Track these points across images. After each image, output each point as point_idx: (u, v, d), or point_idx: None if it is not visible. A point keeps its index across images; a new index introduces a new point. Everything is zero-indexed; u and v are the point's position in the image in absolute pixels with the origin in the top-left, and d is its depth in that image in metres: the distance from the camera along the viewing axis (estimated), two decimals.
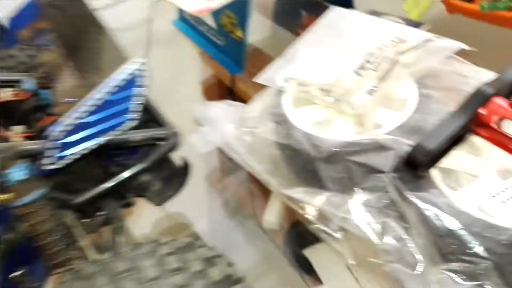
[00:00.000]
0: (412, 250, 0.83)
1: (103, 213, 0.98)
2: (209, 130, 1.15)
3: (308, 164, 0.93)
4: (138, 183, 1.03)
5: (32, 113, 1.07)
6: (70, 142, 0.76)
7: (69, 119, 0.75)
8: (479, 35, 1.23)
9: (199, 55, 1.86)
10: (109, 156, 1.00)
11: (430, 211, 0.79)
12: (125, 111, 0.80)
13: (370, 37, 1.00)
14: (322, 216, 0.95)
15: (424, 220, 0.80)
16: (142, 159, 0.94)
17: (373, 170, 0.87)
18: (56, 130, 0.75)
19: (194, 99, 1.99)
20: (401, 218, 0.87)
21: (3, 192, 0.77)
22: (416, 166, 0.82)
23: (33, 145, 0.81)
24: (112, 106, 0.78)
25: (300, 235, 1.43)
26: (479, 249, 0.75)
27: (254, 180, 1.30)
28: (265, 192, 1.44)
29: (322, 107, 0.99)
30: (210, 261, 0.85)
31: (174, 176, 1.06)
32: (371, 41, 0.98)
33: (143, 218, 1.56)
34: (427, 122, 0.91)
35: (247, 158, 1.02)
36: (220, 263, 0.87)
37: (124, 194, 1.03)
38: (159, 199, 1.04)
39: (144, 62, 0.93)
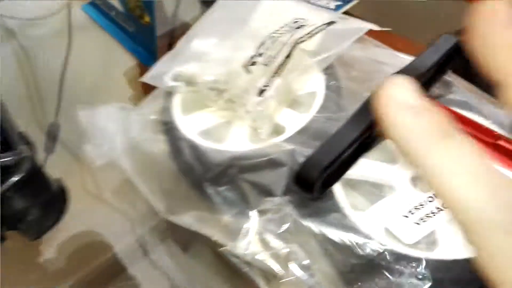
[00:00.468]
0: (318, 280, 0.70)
1: None
2: (101, 141, 0.99)
3: (197, 183, 0.77)
4: (12, 213, 0.86)
5: None
6: None
7: None
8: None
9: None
10: None
11: (332, 241, 0.65)
12: None
13: (265, 23, 0.82)
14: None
15: (326, 251, 0.66)
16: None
17: (266, 191, 0.72)
18: None
19: (122, 93, 1.80)
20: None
21: None
22: (308, 186, 0.66)
23: None
24: None
25: None
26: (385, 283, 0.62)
27: None
28: None
29: (217, 110, 0.83)
30: None
31: (53, 202, 0.89)
32: (265, 28, 0.81)
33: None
34: (334, 122, 0.76)
35: (133, 176, 0.86)
36: None
37: None
38: (36, 232, 0.88)
39: None
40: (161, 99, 0.90)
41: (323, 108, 0.77)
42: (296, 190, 0.69)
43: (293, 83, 0.79)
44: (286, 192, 0.68)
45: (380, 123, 0.24)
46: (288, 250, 0.72)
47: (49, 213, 0.87)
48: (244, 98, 0.77)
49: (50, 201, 0.89)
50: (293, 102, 0.80)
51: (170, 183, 0.85)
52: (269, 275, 0.78)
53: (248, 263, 0.75)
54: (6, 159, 0.74)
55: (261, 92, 0.74)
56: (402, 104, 0.22)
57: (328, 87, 0.79)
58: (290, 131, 0.76)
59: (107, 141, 0.95)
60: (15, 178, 0.75)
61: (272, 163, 0.70)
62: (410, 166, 0.23)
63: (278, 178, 0.69)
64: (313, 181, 0.65)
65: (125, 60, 1.80)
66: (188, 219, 0.78)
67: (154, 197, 0.84)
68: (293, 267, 0.72)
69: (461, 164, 0.21)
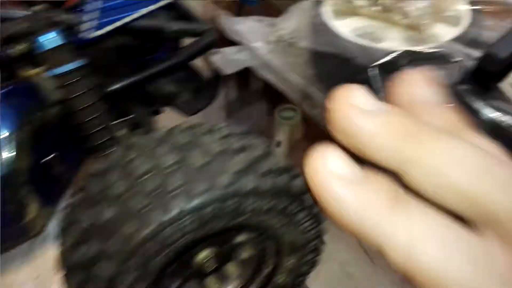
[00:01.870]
0: None
1: (131, 116, 0.88)
2: (234, 49, 1.06)
3: (357, 74, 0.86)
4: (165, 93, 0.94)
5: None
6: (108, 8, 0.65)
7: None
8: None
9: None
10: (138, 54, 0.90)
11: (501, 119, 0.74)
12: None
13: None
14: None
15: (496, 129, 0.74)
16: (178, 55, 0.84)
17: None
18: None
19: None
20: None
21: (34, 64, 0.66)
22: (486, 77, 0.75)
23: (69, 15, 0.70)
24: None
25: None
26: None
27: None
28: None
29: (367, 17, 0.91)
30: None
31: (203, 89, 0.97)
32: None
33: None
34: (483, 36, 0.85)
35: (285, 72, 0.94)
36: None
37: (152, 101, 0.93)
38: (188, 110, 0.95)
39: None
40: (307, 10, 0.98)
41: (471, 25, 0.87)
42: (468, 80, 0.78)
43: (444, 3, 0.89)
44: (459, 82, 0.77)
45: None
46: None
47: (201, 97, 0.95)
48: (402, 5, 0.86)
49: (201, 88, 0.96)
50: (442, 19, 0.89)
51: (321, 77, 0.93)
52: None
53: None
54: (196, 26, 0.81)
55: None
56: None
57: (472, 9, 0.89)
58: (443, 39, 0.85)
59: (245, 48, 1.03)
60: (203, 42, 0.82)
61: (441, 58, 0.79)
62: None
63: (449, 70, 0.78)
64: (494, 71, 0.75)
65: None
66: None
67: (310, 87, 0.92)
68: None
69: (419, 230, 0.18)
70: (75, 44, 0.68)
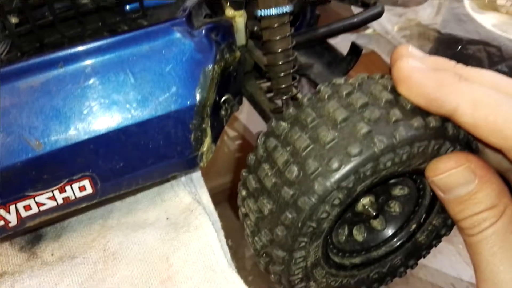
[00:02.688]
0: None
1: None
2: (359, 34, 1.13)
3: (503, 61, 0.93)
4: (299, 64, 0.99)
5: None
6: None
7: None
8: None
9: None
10: None
11: None
12: None
13: None
14: None
15: None
16: (349, 20, 0.89)
17: None
18: None
19: None
20: None
21: (239, 7, 0.70)
22: None
23: None
24: None
25: None
26: None
27: None
28: None
29: (506, 15, 0.99)
30: None
31: (336, 62, 1.02)
32: None
33: None
34: None
35: None
36: None
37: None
38: (321, 80, 1.00)
39: None
40: (432, 7, 1.06)
41: None
42: None
43: None
44: None
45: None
46: None
47: (334, 70, 1.00)
48: None
49: (334, 61, 1.01)
50: None
51: None
52: None
53: None
54: None
55: None
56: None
57: None
58: None
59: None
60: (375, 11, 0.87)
61: None
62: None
63: None
64: None
65: None
66: None
67: None
68: None
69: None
70: None
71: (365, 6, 0.87)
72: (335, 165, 0.63)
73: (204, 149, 0.81)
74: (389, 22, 1.08)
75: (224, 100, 0.83)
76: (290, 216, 0.56)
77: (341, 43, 1.02)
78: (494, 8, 0.98)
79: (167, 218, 0.85)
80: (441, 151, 0.48)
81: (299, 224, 0.55)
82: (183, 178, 0.93)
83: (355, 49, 1.06)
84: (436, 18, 1.01)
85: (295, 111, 0.71)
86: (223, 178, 1.43)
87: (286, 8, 0.77)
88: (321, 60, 1.03)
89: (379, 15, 0.91)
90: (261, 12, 0.75)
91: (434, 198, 0.86)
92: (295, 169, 0.65)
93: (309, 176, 0.65)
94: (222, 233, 0.75)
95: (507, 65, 0.90)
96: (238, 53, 0.83)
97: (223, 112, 0.84)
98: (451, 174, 0.34)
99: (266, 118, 0.84)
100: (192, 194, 0.93)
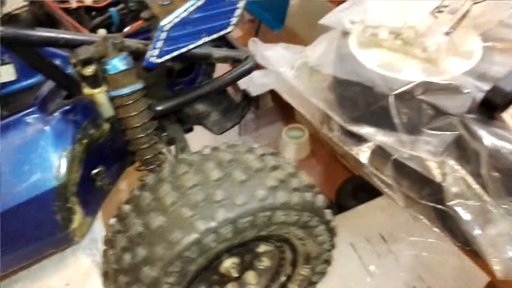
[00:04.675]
0: (476, 190, 0.87)
1: (166, 134, 0.96)
2: (261, 73, 1.15)
3: (376, 101, 0.94)
4: (197, 113, 1.02)
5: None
6: (175, 37, 0.71)
7: (177, 12, 0.71)
8: None
9: None
10: (177, 76, 0.98)
11: (502, 146, 0.83)
12: (230, 13, 0.76)
13: None
14: (375, 161, 0.97)
15: (495, 154, 0.82)
16: (221, 78, 0.92)
17: (442, 112, 0.89)
18: (164, 22, 0.71)
19: None
20: (461, 159, 0.90)
21: (97, 84, 0.73)
22: (492, 107, 0.84)
23: (137, 42, 0.77)
24: (218, 7, 0.74)
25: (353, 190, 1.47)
26: None
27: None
28: None
29: (388, 50, 1.00)
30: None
31: (232, 109, 1.05)
32: None
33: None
34: (492, 71, 0.94)
35: (308, 96, 1.02)
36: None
37: (185, 120, 1.01)
38: (217, 129, 1.04)
39: None
40: (334, 40, 1.07)
41: (482, 60, 0.96)
42: (474, 110, 0.87)
43: (459, 38, 0.98)
44: (467, 111, 0.86)
45: None
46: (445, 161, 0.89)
47: (230, 117, 1.03)
48: (425, 39, 0.95)
49: (230, 108, 1.04)
50: (456, 53, 0.98)
51: (342, 103, 1.01)
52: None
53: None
54: (239, 53, 0.90)
55: (447, 34, 0.92)
56: None
57: (484, 46, 0.98)
58: (456, 72, 0.94)
59: (272, 72, 1.12)
60: (246, 67, 0.90)
61: (453, 89, 0.88)
62: None
63: (459, 101, 0.87)
64: (500, 103, 0.84)
65: None
66: (363, 129, 0.94)
67: (330, 111, 1.00)
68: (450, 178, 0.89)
69: None
70: (137, 69, 0.76)
71: (237, 62, 0.90)
72: (160, 251, 0.69)
73: (75, 225, 0.84)
74: (286, 62, 1.10)
75: (96, 173, 0.86)
76: None
77: None
78: (377, 44, 0.99)
79: (67, 284, 0.89)
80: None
81: None
82: (85, 240, 0.97)
83: (246, 96, 1.10)
84: (324, 58, 1.03)
85: (139, 192, 0.76)
86: None
87: (138, 85, 0.80)
88: (219, 108, 1.07)
89: (251, 70, 0.94)
90: (113, 93, 0.78)
91: (295, 251, 0.93)
92: (127, 257, 0.70)
93: (139, 264, 0.70)
94: None
95: (381, 105, 0.92)
96: (106, 126, 0.86)
97: (99, 183, 0.88)
98: None
99: None
100: (92, 256, 0.97)
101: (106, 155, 0.90)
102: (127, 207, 0.76)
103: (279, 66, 1.10)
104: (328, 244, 0.91)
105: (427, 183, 0.89)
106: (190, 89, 0.92)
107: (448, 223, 0.90)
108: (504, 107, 0.84)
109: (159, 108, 0.85)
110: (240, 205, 0.74)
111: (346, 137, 0.98)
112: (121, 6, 0.97)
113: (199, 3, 0.70)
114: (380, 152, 0.93)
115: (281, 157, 0.86)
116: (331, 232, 0.90)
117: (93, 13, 0.99)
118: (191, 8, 0.70)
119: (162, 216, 0.71)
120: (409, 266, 1.35)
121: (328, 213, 0.86)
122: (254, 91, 1.14)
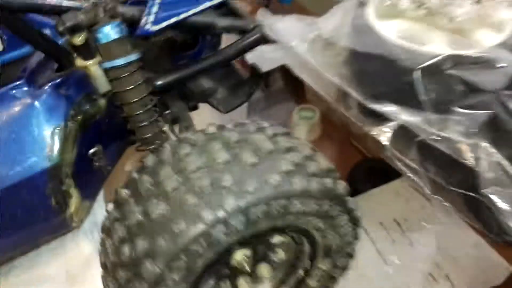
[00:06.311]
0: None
1: (169, 111, 0.89)
2: (271, 47, 1.06)
3: (399, 77, 0.86)
4: (203, 89, 0.94)
5: None
6: (172, 1, 0.64)
7: None
8: None
9: None
10: (180, 49, 0.90)
11: None
12: None
13: None
14: (398, 143, 0.90)
15: None
16: (226, 51, 0.84)
17: (474, 88, 0.81)
18: None
19: None
20: (497, 141, 0.82)
21: (90, 55, 0.66)
22: None
23: (130, 8, 0.70)
24: None
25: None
26: None
27: None
28: None
29: (410, 20, 0.92)
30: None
31: (240, 86, 0.97)
32: None
33: None
34: None
35: (323, 72, 0.94)
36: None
37: (190, 97, 0.94)
38: (224, 106, 0.96)
39: None
40: (349, 11, 0.98)
41: None
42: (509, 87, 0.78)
43: (489, 8, 0.89)
44: (505, 88, 0.78)
45: None
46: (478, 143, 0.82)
47: (238, 94, 0.96)
48: (447, 9, 0.87)
49: (238, 85, 0.97)
50: (486, 24, 0.90)
51: (359, 79, 0.93)
52: None
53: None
54: (246, 23, 0.82)
55: (476, 2, 0.84)
56: None
57: None
58: (487, 45, 0.85)
59: (283, 46, 1.03)
60: (253, 37, 0.82)
61: (487, 64, 0.80)
62: None
63: (494, 76, 0.79)
64: None
65: None
66: (389, 108, 0.86)
67: (349, 87, 0.92)
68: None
69: None
70: (132, 37, 0.69)
71: (244, 32, 0.82)
72: (163, 244, 0.62)
73: (72, 210, 0.77)
74: (298, 35, 1.02)
75: (93, 153, 0.79)
76: None
77: None
78: (398, 14, 0.91)
79: (67, 271, 0.83)
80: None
81: None
82: (86, 225, 0.92)
83: (255, 72, 1.02)
84: (339, 30, 0.94)
85: (138, 175, 0.69)
86: None
87: (133, 56, 0.73)
88: (225, 84, 0.99)
89: (259, 41, 0.86)
90: (106, 65, 0.71)
91: (314, 243, 0.85)
92: (126, 249, 0.63)
93: (139, 257, 0.63)
94: None
95: (405, 81, 0.84)
96: (102, 102, 0.79)
97: (97, 164, 0.81)
98: None
99: None
100: (93, 242, 0.92)
101: (103, 134, 0.82)
102: (125, 192, 0.68)
103: (290, 40, 1.01)
104: (350, 236, 0.83)
105: (457, 168, 0.81)
106: (192, 62, 0.85)
107: (480, 212, 0.82)
108: None
109: (159, 82, 0.78)
110: (251, 192, 0.66)
111: (366, 116, 0.90)
112: None
113: None
114: (404, 133, 0.84)
115: (295, 138, 0.78)
116: (355, 222, 0.82)
117: None
118: None
119: (163, 203, 0.63)
120: (425, 253, 1.30)
121: (351, 201, 0.78)
122: (263, 67, 1.05)
